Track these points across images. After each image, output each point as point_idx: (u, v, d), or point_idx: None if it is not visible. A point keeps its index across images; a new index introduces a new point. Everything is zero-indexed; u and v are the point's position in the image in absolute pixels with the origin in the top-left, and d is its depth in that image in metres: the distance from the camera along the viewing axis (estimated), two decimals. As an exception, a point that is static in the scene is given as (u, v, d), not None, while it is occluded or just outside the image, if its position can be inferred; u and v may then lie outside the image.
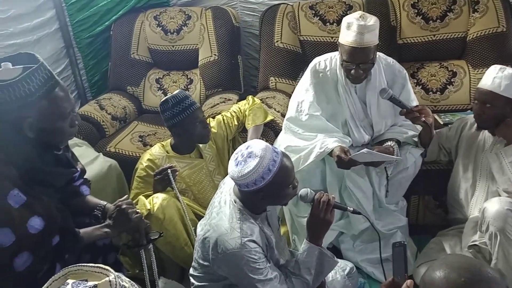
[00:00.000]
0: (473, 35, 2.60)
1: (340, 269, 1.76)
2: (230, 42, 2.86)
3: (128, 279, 0.88)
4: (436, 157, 2.11)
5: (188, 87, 2.92)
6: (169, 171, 1.89)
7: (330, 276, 1.70)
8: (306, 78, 2.11)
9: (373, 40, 1.89)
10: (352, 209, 1.59)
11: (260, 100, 2.38)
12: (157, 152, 2.05)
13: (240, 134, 2.28)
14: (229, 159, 1.47)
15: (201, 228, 1.55)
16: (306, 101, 2.06)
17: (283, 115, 2.30)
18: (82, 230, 1.45)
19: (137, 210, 1.55)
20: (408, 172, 2.04)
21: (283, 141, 2.10)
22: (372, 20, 1.89)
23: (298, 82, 2.29)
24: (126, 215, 1.49)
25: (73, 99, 1.45)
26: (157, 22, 2.96)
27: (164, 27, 2.95)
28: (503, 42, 2.56)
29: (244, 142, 1.50)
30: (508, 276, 1.68)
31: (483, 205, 1.76)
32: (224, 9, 2.93)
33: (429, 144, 2.04)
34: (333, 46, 2.52)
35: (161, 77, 2.98)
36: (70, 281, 0.81)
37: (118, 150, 2.49)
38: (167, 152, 2.05)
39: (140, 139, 2.59)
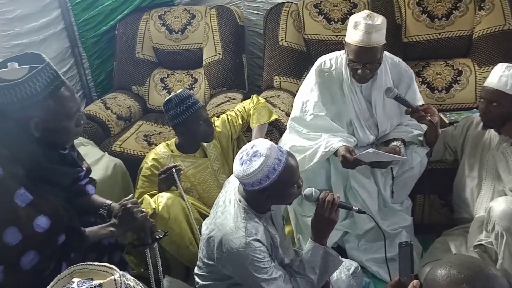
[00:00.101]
0: (479, 33, 2.58)
1: (345, 269, 1.76)
2: (234, 41, 2.86)
3: (133, 278, 0.88)
4: (441, 156, 2.10)
5: (193, 86, 2.92)
6: (173, 170, 1.90)
7: (335, 275, 1.70)
8: (311, 78, 2.11)
9: (380, 39, 1.87)
10: (357, 208, 1.59)
11: (265, 99, 2.38)
12: (161, 151, 2.05)
13: (244, 133, 2.28)
14: (233, 158, 1.47)
15: (206, 227, 1.56)
16: (310, 101, 2.05)
17: (288, 114, 2.30)
18: (87, 229, 1.46)
19: (142, 209, 1.56)
20: (414, 172, 2.03)
21: (287, 141, 2.10)
22: (380, 20, 1.87)
23: (302, 81, 2.29)
24: (131, 214, 1.50)
25: (78, 99, 1.46)
26: (161, 22, 2.96)
27: (169, 26, 2.95)
28: (510, 40, 2.53)
29: (248, 141, 1.50)
30: (515, 276, 1.67)
31: (489, 204, 1.75)
32: (228, 8, 2.93)
33: (435, 143, 2.03)
34: (337, 45, 2.52)
35: (166, 76, 2.99)
36: (75, 279, 0.81)
37: (123, 150, 2.50)
38: (172, 151, 2.06)
39: (145, 139, 2.60)
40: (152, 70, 3.01)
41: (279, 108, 2.45)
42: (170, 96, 1.98)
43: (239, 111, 2.25)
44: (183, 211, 1.89)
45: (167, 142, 2.11)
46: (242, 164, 1.39)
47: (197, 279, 1.61)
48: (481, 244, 1.78)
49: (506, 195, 1.81)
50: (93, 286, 0.80)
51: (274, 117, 2.26)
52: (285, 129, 2.23)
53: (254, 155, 1.39)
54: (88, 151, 2.25)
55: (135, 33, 2.98)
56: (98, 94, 3.23)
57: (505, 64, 1.81)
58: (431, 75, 2.64)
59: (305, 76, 2.34)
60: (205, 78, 2.90)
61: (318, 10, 2.75)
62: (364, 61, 1.89)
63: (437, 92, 2.61)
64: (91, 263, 0.86)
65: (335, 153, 1.91)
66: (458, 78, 2.59)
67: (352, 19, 1.91)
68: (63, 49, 3.01)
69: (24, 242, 1.28)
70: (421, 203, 2.26)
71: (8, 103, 1.27)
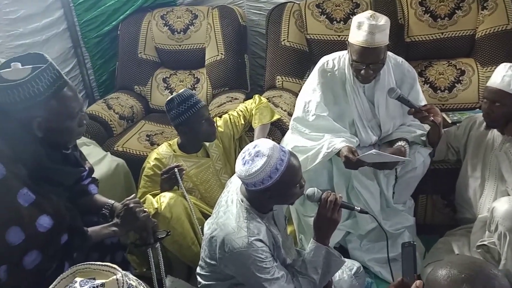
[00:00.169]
0: (482, 33, 2.57)
1: (347, 269, 1.76)
2: (236, 41, 2.86)
3: (135, 278, 0.88)
4: (444, 156, 2.10)
5: (195, 86, 2.93)
6: (176, 170, 1.90)
7: (337, 275, 1.70)
8: (313, 78, 2.10)
9: (383, 40, 1.86)
10: (359, 208, 1.59)
11: (267, 99, 2.38)
12: (164, 151, 2.06)
13: (246, 133, 2.29)
14: (235, 158, 1.47)
15: (208, 227, 1.56)
16: (313, 101, 2.04)
17: (290, 114, 2.30)
18: (90, 229, 1.46)
19: (145, 209, 1.56)
20: (417, 172, 2.02)
21: (290, 141, 2.09)
22: (383, 20, 1.86)
23: (305, 81, 2.29)
24: (134, 214, 1.50)
25: (81, 99, 1.46)
26: (164, 22, 2.97)
27: (171, 26, 2.96)
28: (513, 40, 2.53)
29: (250, 141, 1.50)
30: (518, 277, 1.66)
31: (492, 204, 1.74)
32: (230, 8, 2.93)
33: (438, 143, 2.03)
34: (340, 45, 2.51)
35: (168, 76, 2.99)
36: (78, 279, 0.82)
37: (126, 149, 2.51)
38: (174, 151, 2.06)
39: (147, 138, 2.60)
40: (154, 70, 3.02)
41: (281, 108, 2.45)
42: (172, 96, 1.98)
43: (241, 111, 2.25)
44: (185, 211, 1.89)
45: (169, 142, 2.11)
46: (244, 164, 1.39)
47: (199, 278, 1.61)
48: (484, 245, 1.78)
49: (509, 195, 1.81)
50: (95, 285, 0.80)
51: (276, 117, 2.26)
52: (287, 129, 2.23)
53: (256, 155, 1.38)
54: (90, 151, 2.26)
55: (137, 33, 2.99)
56: (101, 94, 3.24)
57: (508, 64, 1.81)
58: (433, 75, 2.63)
59: (307, 76, 2.33)
60: (207, 78, 2.90)
61: (320, 10, 2.74)
62: (368, 62, 1.88)
63: (440, 92, 2.60)
64: (93, 262, 0.86)
65: (338, 153, 1.91)
66: (461, 78, 2.58)
67: (355, 20, 1.90)
68: (66, 49, 3.02)
69: (27, 242, 1.28)
70: (424, 203, 2.26)
71: (11, 103, 1.28)
